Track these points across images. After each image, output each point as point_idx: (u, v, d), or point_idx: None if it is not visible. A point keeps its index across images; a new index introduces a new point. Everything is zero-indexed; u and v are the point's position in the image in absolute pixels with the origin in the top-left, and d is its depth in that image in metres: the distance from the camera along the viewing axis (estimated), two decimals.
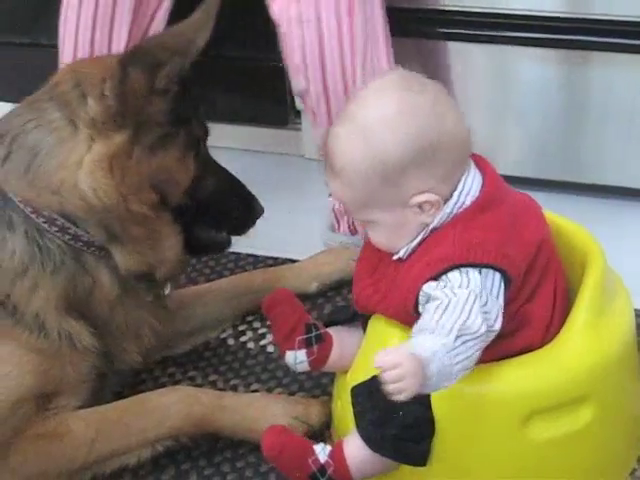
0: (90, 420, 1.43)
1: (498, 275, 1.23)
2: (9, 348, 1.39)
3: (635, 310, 1.42)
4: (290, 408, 1.50)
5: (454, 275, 1.21)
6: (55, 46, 1.84)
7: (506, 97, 2.14)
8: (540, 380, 1.28)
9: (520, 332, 1.29)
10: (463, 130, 1.28)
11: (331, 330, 1.46)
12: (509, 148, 2.20)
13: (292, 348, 1.43)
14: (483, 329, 1.16)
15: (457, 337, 1.15)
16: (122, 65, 1.38)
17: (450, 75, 2.09)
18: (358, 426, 1.30)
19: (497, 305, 1.22)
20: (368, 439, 1.29)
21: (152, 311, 1.56)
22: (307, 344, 1.43)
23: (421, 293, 1.23)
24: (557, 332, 1.32)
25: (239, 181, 1.61)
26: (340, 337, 1.45)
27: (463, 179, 1.28)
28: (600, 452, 1.36)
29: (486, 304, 1.19)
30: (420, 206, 1.27)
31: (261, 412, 1.48)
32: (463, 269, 1.21)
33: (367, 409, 1.29)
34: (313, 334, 1.43)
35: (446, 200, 1.27)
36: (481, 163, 1.33)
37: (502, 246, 1.24)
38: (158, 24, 1.83)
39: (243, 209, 1.60)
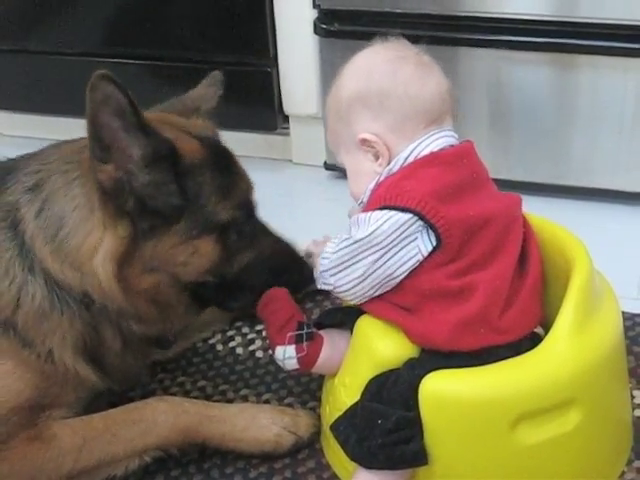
0: (77, 428, 1.42)
1: (420, 222, 1.28)
2: (13, 363, 1.39)
3: (622, 313, 1.42)
4: (278, 418, 1.49)
5: (376, 211, 1.30)
6: (43, 52, 1.83)
7: (494, 100, 2.15)
8: (527, 384, 1.28)
9: (469, 296, 1.29)
10: (424, 91, 1.36)
11: (322, 332, 1.47)
12: (497, 150, 2.20)
13: (282, 343, 1.43)
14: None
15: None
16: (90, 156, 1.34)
17: None
18: (347, 453, 1.32)
19: (409, 249, 1.29)
20: (359, 458, 1.30)
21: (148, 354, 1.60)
22: (297, 340, 1.43)
23: None
24: (534, 315, 1.36)
25: (289, 250, 1.54)
26: (331, 339, 1.45)
27: (423, 138, 1.34)
28: (589, 455, 1.36)
29: (393, 244, 1.29)
30: (367, 148, 1.36)
31: (249, 422, 1.48)
32: (387, 210, 1.29)
33: (349, 434, 1.31)
34: (304, 331, 1.43)
35: (399, 152, 1.35)
36: (466, 142, 1.39)
37: (431, 197, 1.28)
38: None
39: (286, 282, 1.51)
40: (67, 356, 1.42)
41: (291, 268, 1.53)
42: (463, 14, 2.05)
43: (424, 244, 1.29)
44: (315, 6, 2.17)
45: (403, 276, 1.31)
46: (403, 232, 1.28)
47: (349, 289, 1.34)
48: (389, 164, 1.35)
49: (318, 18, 2.18)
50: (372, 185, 1.36)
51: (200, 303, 1.51)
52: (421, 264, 1.30)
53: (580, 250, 1.39)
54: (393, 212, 1.28)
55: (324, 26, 2.17)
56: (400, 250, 1.29)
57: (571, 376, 1.29)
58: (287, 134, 2.44)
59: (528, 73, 2.08)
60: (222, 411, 1.50)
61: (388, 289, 1.33)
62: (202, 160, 1.41)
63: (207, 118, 1.56)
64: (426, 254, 1.29)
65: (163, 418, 1.44)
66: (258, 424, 1.48)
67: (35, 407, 1.41)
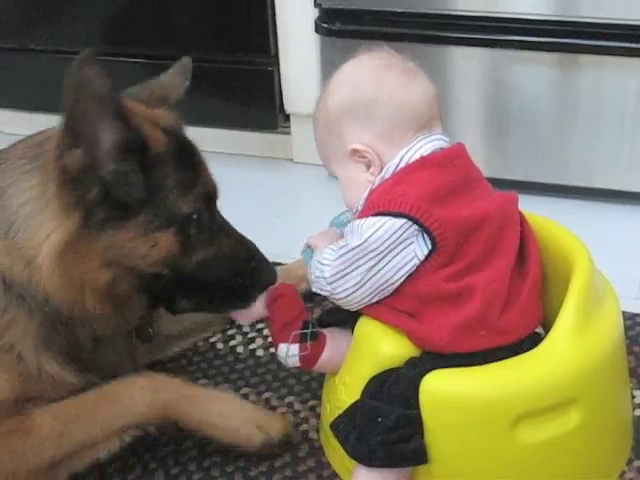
0: (56, 414, 1.41)
1: (415, 226, 1.28)
2: None
3: (623, 313, 1.42)
4: (255, 415, 1.48)
5: (370, 217, 1.30)
6: (43, 51, 1.84)
7: (495, 100, 2.15)
8: (528, 383, 1.28)
9: (468, 299, 1.29)
10: (410, 98, 1.36)
11: (325, 331, 1.47)
12: (498, 150, 2.20)
13: (286, 341, 1.43)
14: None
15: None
16: (57, 144, 1.31)
17: (440, 78, 2.10)
18: (347, 451, 1.32)
19: (405, 254, 1.29)
20: (359, 456, 1.30)
21: (132, 348, 1.56)
22: (301, 339, 1.43)
23: None
24: (535, 316, 1.35)
25: (250, 249, 1.47)
26: (333, 338, 1.45)
27: (413, 143, 1.35)
28: (589, 455, 1.36)
29: (389, 250, 1.29)
30: (357, 158, 1.37)
31: (227, 410, 1.47)
32: (381, 216, 1.29)
33: (349, 432, 1.31)
34: (309, 330, 1.43)
35: (390, 160, 1.35)
36: (457, 144, 1.39)
37: (424, 201, 1.28)
38: None
39: (244, 282, 1.45)
40: (29, 353, 1.39)
41: (250, 271, 1.46)
42: (465, 13, 2.05)
43: (420, 248, 1.29)
44: (316, 5, 2.17)
45: (400, 281, 1.31)
46: (398, 237, 1.28)
47: (346, 296, 1.33)
48: (381, 172, 1.36)
49: (319, 17, 2.19)
50: (366, 194, 1.37)
51: (153, 299, 1.46)
52: (418, 269, 1.30)
53: (581, 250, 1.39)
54: (387, 218, 1.29)
55: (325, 25, 2.17)
56: (396, 256, 1.29)
57: (572, 376, 1.29)
58: (288, 133, 2.45)
59: (529, 73, 2.08)
60: (202, 393, 1.48)
61: (387, 295, 1.33)
62: (167, 152, 1.37)
63: (174, 108, 1.51)
64: (422, 258, 1.30)
65: (141, 395, 1.42)
66: (235, 414, 1.47)
67: (19, 401, 1.39)
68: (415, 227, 1.28)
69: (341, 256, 1.31)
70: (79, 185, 1.30)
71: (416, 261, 1.30)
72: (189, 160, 1.41)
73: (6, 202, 1.37)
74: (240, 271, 1.45)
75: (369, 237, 1.29)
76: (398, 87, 1.36)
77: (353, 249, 1.30)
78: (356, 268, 1.31)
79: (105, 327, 1.44)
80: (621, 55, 1.97)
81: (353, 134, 1.37)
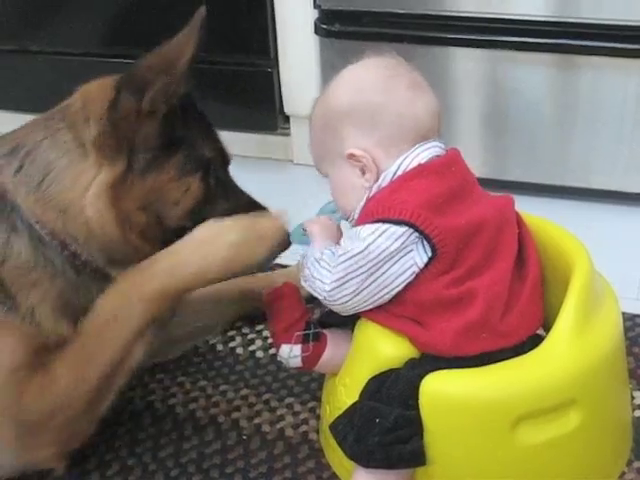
0: (67, 353, 1.40)
1: (415, 233, 1.28)
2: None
3: (623, 314, 1.42)
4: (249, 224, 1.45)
5: (370, 226, 1.30)
6: (42, 52, 1.84)
7: (493, 101, 2.15)
8: (528, 385, 1.28)
9: (469, 304, 1.29)
10: (416, 111, 1.36)
11: (326, 331, 1.47)
12: (496, 151, 2.20)
13: (289, 342, 1.43)
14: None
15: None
16: (116, 89, 1.38)
17: (438, 79, 2.10)
18: (345, 451, 1.31)
19: (404, 261, 1.29)
20: (356, 457, 1.30)
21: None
22: (304, 340, 1.43)
23: None
24: (536, 318, 1.35)
25: (265, 211, 1.53)
26: (334, 339, 1.45)
27: (410, 151, 1.34)
28: (589, 456, 1.36)
29: (389, 257, 1.28)
30: (354, 163, 1.36)
31: (211, 237, 1.42)
32: (381, 223, 1.29)
33: (347, 432, 1.31)
34: (311, 331, 1.43)
35: (387, 167, 1.35)
36: (452, 150, 1.39)
37: (423, 209, 1.28)
38: None
39: None
40: (45, 314, 1.40)
41: None
42: (463, 15, 2.05)
43: (419, 256, 1.29)
44: (316, 6, 2.17)
45: (399, 289, 1.31)
46: (400, 245, 1.28)
47: (343, 303, 1.33)
48: (377, 180, 1.36)
49: (319, 18, 2.19)
50: (363, 202, 1.36)
51: None
52: (418, 276, 1.30)
53: (580, 251, 1.39)
54: (387, 225, 1.28)
55: (325, 26, 2.17)
56: (395, 263, 1.29)
57: (571, 377, 1.29)
58: (288, 134, 2.45)
59: (528, 74, 2.08)
60: (180, 247, 1.43)
61: (384, 302, 1.33)
62: (189, 98, 1.46)
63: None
64: (422, 266, 1.29)
65: (135, 299, 1.41)
66: (223, 238, 1.42)
67: (37, 361, 1.39)
68: (416, 234, 1.28)
69: (341, 263, 1.30)
70: (129, 127, 1.38)
71: (415, 269, 1.29)
72: (202, 114, 1.51)
73: (40, 156, 1.41)
74: None
75: (370, 244, 1.28)
76: (405, 99, 1.35)
77: (354, 256, 1.29)
78: (356, 276, 1.30)
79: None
80: (620, 56, 1.97)
81: (352, 138, 1.37)
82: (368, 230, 1.29)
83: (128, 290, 1.42)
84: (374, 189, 1.35)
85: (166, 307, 1.43)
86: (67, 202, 1.39)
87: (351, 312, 1.35)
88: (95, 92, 1.44)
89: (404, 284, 1.30)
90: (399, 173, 1.34)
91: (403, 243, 1.28)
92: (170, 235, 1.45)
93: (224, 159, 1.53)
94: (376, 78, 1.37)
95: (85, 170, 1.39)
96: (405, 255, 1.29)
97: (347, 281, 1.30)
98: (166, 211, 1.44)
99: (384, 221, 1.28)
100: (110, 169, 1.38)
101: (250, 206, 1.52)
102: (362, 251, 1.28)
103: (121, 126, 1.38)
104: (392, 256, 1.28)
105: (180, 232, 1.44)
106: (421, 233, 1.27)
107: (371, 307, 1.33)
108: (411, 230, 1.27)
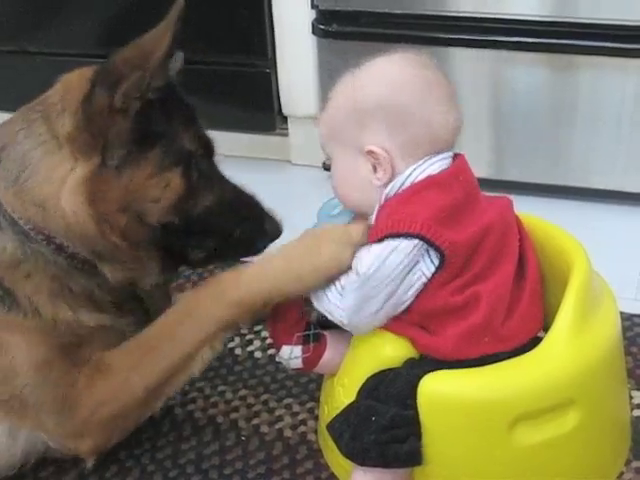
0: (126, 349, 1.41)
1: (425, 246, 1.27)
2: (5, 336, 1.38)
3: (621, 313, 1.42)
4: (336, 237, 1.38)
5: (376, 247, 1.28)
6: (41, 53, 1.84)
7: (492, 101, 2.15)
8: (526, 385, 1.28)
9: (473, 308, 1.29)
10: (445, 124, 1.34)
11: (326, 332, 1.46)
12: (495, 151, 2.20)
13: (289, 343, 1.43)
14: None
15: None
16: (91, 82, 1.34)
17: None
18: (340, 449, 1.31)
19: (415, 273, 1.28)
20: (352, 454, 1.30)
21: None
22: (304, 341, 1.43)
23: None
24: (536, 320, 1.36)
25: (252, 200, 1.52)
26: (333, 339, 1.45)
27: (421, 161, 1.33)
28: (587, 456, 1.36)
29: (403, 272, 1.27)
30: (371, 159, 1.34)
31: (309, 249, 1.39)
32: (390, 239, 1.28)
33: (344, 430, 1.31)
34: (312, 332, 1.43)
35: (399, 173, 1.33)
36: (458, 158, 1.38)
37: (433, 222, 1.27)
38: None
39: (250, 231, 1.50)
40: (43, 302, 1.39)
41: (254, 220, 1.50)
42: (461, 15, 2.05)
43: (426, 266, 1.29)
44: (313, 7, 2.17)
45: (410, 300, 1.30)
46: (411, 259, 1.27)
47: (365, 324, 1.32)
48: (389, 181, 1.34)
49: (316, 19, 2.19)
50: (377, 206, 1.34)
51: (167, 254, 1.47)
52: (425, 285, 1.30)
53: (578, 251, 1.39)
54: (398, 241, 1.27)
55: (322, 27, 2.17)
56: (406, 276, 1.28)
57: (570, 377, 1.29)
58: (286, 135, 2.45)
59: (526, 74, 2.08)
60: (260, 264, 1.42)
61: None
62: (171, 88, 1.43)
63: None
64: (430, 275, 1.29)
65: (217, 302, 1.40)
66: (329, 248, 1.37)
67: (68, 353, 1.39)
68: (424, 246, 1.27)
69: (356, 289, 1.29)
70: (103, 122, 1.34)
71: (424, 279, 1.29)
72: (185, 105, 1.47)
73: (15, 149, 1.39)
74: (245, 219, 1.49)
75: (382, 264, 1.27)
76: (439, 110, 1.33)
77: (368, 279, 1.28)
78: (374, 297, 1.29)
79: (120, 272, 1.43)
80: (618, 56, 1.97)
81: (377, 135, 1.33)
82: (376, 251, 1.28)
83: (212, 292, 1.41)
84: (383, 195, 1.34)
85: (246, 316, 1.42)
86: (43, 196, 1.36)
87: (369, 330, 1.34)
88: (74, 83, 1.40)
89: (415, 295, 1.30)
90: (407, 183, 1.32)
91: (414, 256, 1.28)
92: (157, 232, 1.42)
93: (208, 150, 1.49)
94: (419, 80, 1.34)
95: (60, 163, 1.36)
96: (414, 267, 1.28)
97: (365, 304, 1.29)
98: (147, 209, 1.39)
99: (394, 235, 1.27)
100: (85, 164, 1.35)
101: (237, 196, 1.50)
102: (376, 271, 1.27)
103: (95, 121, 1.34)
104: (406, 270, 1.28)
105: (169, 227, 1.42)
106: (432, 245, 1.27)
107: (386, 321, 1.33)
108: (421, 243, 1.27)
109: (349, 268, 1.33)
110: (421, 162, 1.33)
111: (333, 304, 1.33)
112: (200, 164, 1.45)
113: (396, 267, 1.27)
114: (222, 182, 1.50)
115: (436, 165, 1.33)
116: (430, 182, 1.32)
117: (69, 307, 1.41)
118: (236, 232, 1.48)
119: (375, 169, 1.34)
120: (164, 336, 1.41)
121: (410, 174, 1.32)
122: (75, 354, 1.40)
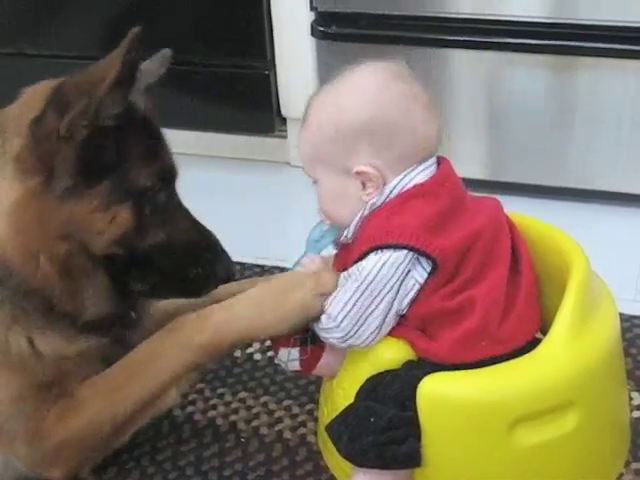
0: (100, 384, 1.41)
1: (415, 255, 1.28)
2: None
3: (620, 315, 1.42)
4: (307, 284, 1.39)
5: (371, 256, 1.29)
6: (40, 56, 1.83)
7: (492, 102, 2.15)
8: (525, 386, 1.28)
9: (468, 312, 1.29)
10: (428, 134, 1.35)
11: None
12: (494, 153, 2.20)
13: (287, 345, 1.43)
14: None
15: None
16: (45, 104, 1.29)
17: (436, 80, 2.10)
18: (339, 450, 1.31)
19: (406, 281, 1.29)
20: (350, 456, 1.30)
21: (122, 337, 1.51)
22: (303, 343, 1.42)
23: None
24: (533, 322, 1.36)
25: (208, 239, 1.45)
26: None
27: (407, 171, 1.33)
28: (587, 457, 1.36)
29: (397, 283, 1.28)
30: (360, 178, 1.33)
31: (276, 296, 1.40)
32: (380, 250, 1.28)
33: (342, 431, 1.31)
34: (309, 334, 1.43)
35: (387, 183, 1.34)
36: (442, 163, 1.38)
37: (422, 231, 1.28)
38: None
39: (197, 273, 1.43)
40: (13, 337, 1.36)
41: (206, 261, 1.44)
42: (461, 16, 2.05)
43: (419, 274, 1.29)
44: (312, 9, 2.17)
45: (407, 308, 1.31)
46: (403, 269, 1.28)
47: (370, 341, 1.32)
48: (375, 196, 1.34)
49: (315, 20, 2.19)
50: (356, 220, 1.35)
51: (115, 283, 1.42)
52: (418, 292, 1.30)
53: (577, 252, 1.39)
54: (387, 253, 1.28)
55: (321, 28, 2.17)
56: (400, 286, 1.29)
57: (569, 378, 1.29)
58: (285, 136, 2.45)
59: (526, 75, 2.08)
60: (237, 303, 1.42)
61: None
62: (130, 123, 1.35)
63: (146, 91, 1.47)
64: (422, 282, 1.30)
65: (185, 344, 1.40)
66: (299, 292, 1.38)
67: (41, 388, 1.39)
68: (415, 255, 1.28)
69: (352, 309, 1.29)
70: (50, 147, 1.29)
71: (417, 286, 1.30)
72: (149, 135, 1.40)
73: None
74: (195, 260, 1.43)
75: (374, 278, 1.28)
76: (421, 122, 1.33)
77: (362, 295, 1.29)
78: (372, 312, 1.29)
79: (65, 302, 1.38)
80: (618, 57, 1.97)
81: (365, 155, 1.33)
82: (367, 266, 1.29)
83: (179, 334, 1.41)
84: (368, 207, 1.34)
85: (212, 358, 1.43)
86: None
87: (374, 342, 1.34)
88: (35, 99, 1.34)
89: (410, 301, 1.31)
90: (395, 193, 1.33)
91: (406, 267, 1.28)
92: (100, 263, 1.36)
93: (169, 179, 1.42)
94: (397, 95, 1.33)
95: (1, 183, 1.31)
96: (406, 276, 1.29)
97: (365, 321, 1.30)
98: (90, 239, 1.33)
99: (383, 247, 1.28)
100: (22, 186, 1.30)
101: (190, 236, 1.43)
102: (370, 285, 1.28)
103: (43, 144, 1.29)
104: (400, 280, 1.28)
105: (111, 258, 1.36)
106: (422, 254, 1.27)
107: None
108: (412, 253, 1.28)
109: (317, 317, 1.35)
110: (409, 170, 1.34)
111: (335, 328, 1.32)
112: (156, 198, 1.38)
113: (389, 279, 1.28)
114: (177, 218, 1.43)
115: (422, 173, 1.34)
116: (417, 191, 1.33)
117: (38, 336, 1.38)
118: (182, 272, 1.43)
119: (364, 185, 1.35)
120: (131, 376, 1.41)
121: (397, 184, 1.33)
122: (48, 390, 1.40)
